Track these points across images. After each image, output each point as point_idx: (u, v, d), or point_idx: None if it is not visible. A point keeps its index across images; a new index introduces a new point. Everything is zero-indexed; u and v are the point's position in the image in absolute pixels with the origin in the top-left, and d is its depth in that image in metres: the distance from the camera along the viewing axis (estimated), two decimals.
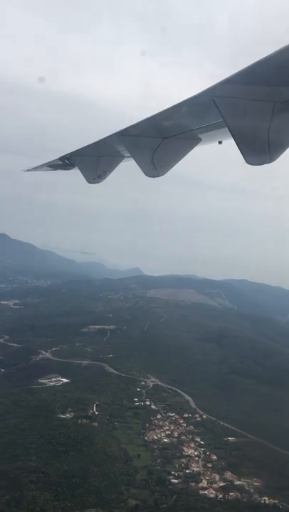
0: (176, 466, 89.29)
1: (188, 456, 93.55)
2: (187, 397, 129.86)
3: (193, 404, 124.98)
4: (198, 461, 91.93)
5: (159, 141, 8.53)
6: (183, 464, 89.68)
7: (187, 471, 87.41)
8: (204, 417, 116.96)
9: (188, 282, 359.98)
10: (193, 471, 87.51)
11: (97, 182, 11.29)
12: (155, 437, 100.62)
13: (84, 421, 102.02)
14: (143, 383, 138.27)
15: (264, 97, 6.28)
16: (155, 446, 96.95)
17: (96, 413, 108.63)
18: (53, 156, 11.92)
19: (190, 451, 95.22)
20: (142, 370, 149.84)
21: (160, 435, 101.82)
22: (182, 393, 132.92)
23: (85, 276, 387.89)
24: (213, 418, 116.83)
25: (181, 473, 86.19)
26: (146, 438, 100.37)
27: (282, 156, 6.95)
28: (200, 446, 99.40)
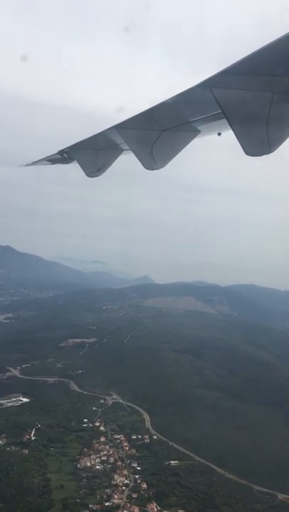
0: (98, 497, 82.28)
1: (116, 485, 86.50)
2: (145, 416, 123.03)
3: (148, 424, 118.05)
4: (124, 491, 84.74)
5: (157, 133, 8.49)
6: (105, 496, 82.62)
7: (107, 503, 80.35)
8: (155, 437, 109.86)
9: (193, 289, 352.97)
10: (113, 503, 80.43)
11: (96, 175, 11.10)
12: (88, 464, 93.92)
13: (14, 448, 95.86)
14: (102, 401, 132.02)
15: (262, 87, 6.23)
16: (84, 475, 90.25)
17: (32, 438, 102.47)
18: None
19: (120, 480, 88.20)
20: (108, 386, 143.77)
21: (94, 461, 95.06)
22: (141, 411, 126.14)
23: (89, 286, 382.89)
24: (164, 439, 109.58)
25: (99, 507, 79.16)
26: (78, 465, 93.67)
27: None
28: (135, 472, 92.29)
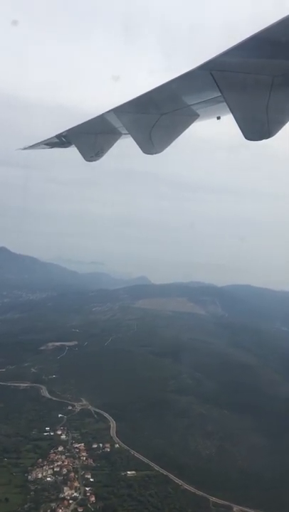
0: None
1: (63, 498, 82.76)
2: (111, 423, 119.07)
3: (112, 432, 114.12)
4: (70, 504, 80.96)
5: (156, 117, 8.33)
6: (49, 510, 78.95)
7: None
8: (116, 446, 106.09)
9: (188, 290, 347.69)
10: None
11: (95, 160, 10.93)
12: (40, 476, 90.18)
13: None
14: (70, 408, 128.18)
15: (263, 70, 6.15)
16: (33, 487, 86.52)
17: None
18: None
19: (68, 492, 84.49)
20: (79, 392, 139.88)
21: (47, 473, 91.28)
22: (108, 418, 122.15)
23: (84, 288, 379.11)
24: (126, 447, 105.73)
25: None
26: (29, 477, 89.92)
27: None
28: (87, 484, 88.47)
